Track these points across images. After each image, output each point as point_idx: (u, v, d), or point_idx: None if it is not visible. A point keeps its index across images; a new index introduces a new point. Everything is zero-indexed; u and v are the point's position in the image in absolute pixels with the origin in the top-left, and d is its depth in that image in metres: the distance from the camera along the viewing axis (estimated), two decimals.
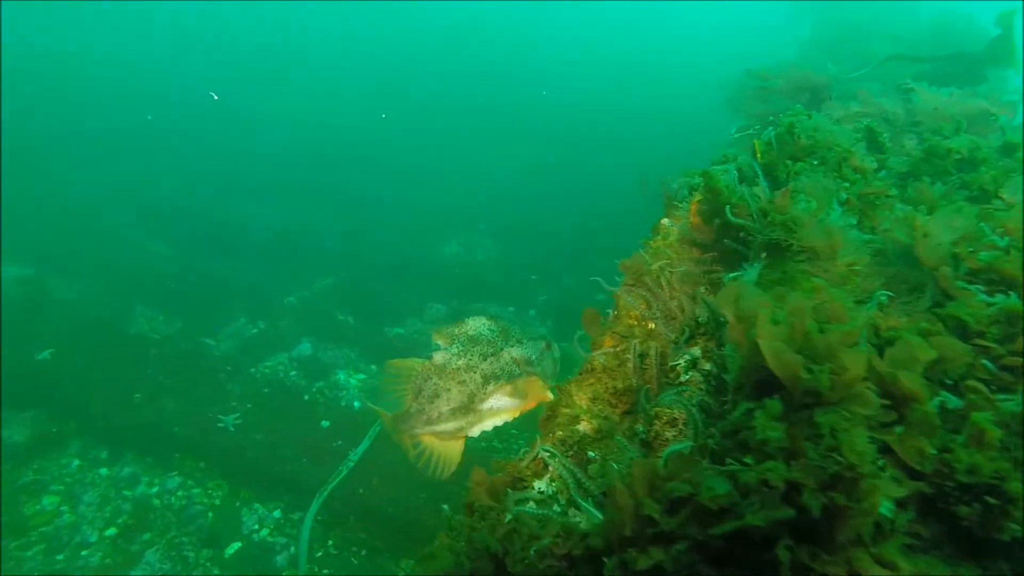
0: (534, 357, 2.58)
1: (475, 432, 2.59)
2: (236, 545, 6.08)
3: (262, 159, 15.58)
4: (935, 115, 3.04)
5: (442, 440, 2.59)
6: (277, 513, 6.48)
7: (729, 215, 2.29)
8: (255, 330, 9.28)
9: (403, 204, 13.92)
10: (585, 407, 2.29)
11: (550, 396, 2.49)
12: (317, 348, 8.90)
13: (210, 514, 6.39)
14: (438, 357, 2.45)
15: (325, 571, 5.96)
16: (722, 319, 1.78)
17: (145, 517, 6.38)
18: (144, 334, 8.94)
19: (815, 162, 2.54)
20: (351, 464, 6.57)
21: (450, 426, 2.52)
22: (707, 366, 2.06)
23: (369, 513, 6.19)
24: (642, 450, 1.96)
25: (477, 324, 2.52)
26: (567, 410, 2.27)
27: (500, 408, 2.53)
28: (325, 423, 7.26)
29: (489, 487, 1.95)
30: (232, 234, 11.94)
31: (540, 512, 1.81)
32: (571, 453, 2.13)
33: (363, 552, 6.11)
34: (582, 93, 20.92)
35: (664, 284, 2.50)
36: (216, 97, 15.11)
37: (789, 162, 2.60)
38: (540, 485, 2.03)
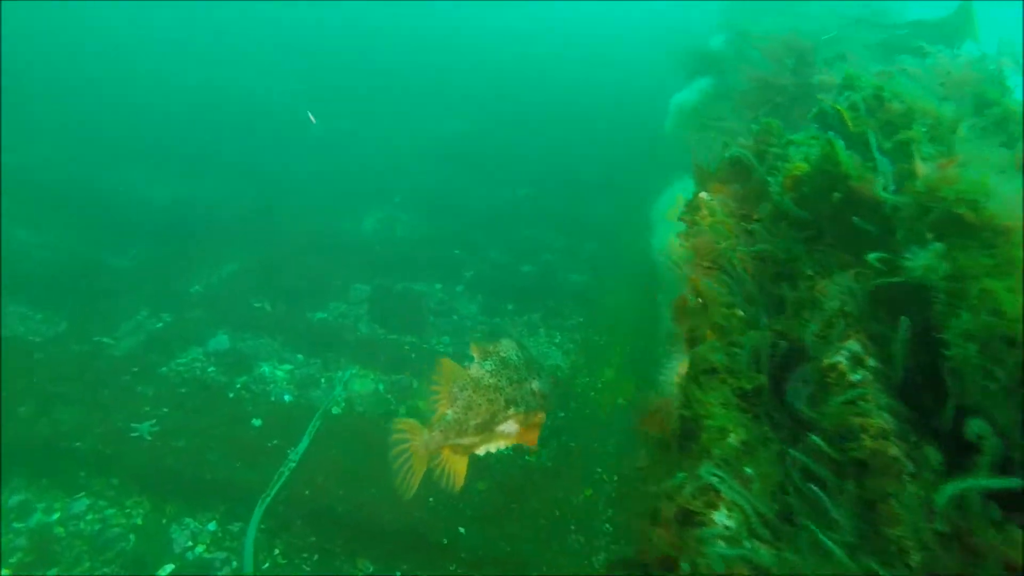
0: (546, 392, 2.63)
1: (482, 451, 2.66)
2: (169, 567, 5.41)
3: (150, 126, 13.92)
4: (964, 79, 3.00)
5: (455, 454, 2.62)
6: (212, 526, 5.84)
7: (880, 191, 2.05)
8: (160, 324, 8.31)
9: (313, 178, 12.99)
10: (729, 416, 2.03)
11: (536, 438, 2.58)
12: (235, 339, 8.11)
13: (132, 536, 5.64)
14: (474, 370, 2.57)
15: None
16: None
17: (47, 550, 5.53)
18: (21, 337, 7.75)
19: (922, 128, 2.38)
20: (292, 464, 6.03)
21: (469, 440, 2.57)
22: (871, 362, 1.84)
23: (317, 514, 5.71)
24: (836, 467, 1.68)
25: (509, 347, 2.68)
26: (711, 422, 2.00)
27: (508, 433, 2.58)
28: (256, 421, 6.61)
29: (665, 535, 1.62)
30: (118, 214, 10.61)
31: (736, 553, 1.53)
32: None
33: (314, 557, 5.65)
34: (505, 62, 20.41)
35: (738, 266, 2.28)
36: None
37: (879, 130, 2.41)
38: (721, 518, 1.72)
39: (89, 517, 5.81)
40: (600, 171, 12.87)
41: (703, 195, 2.67)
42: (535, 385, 2.57)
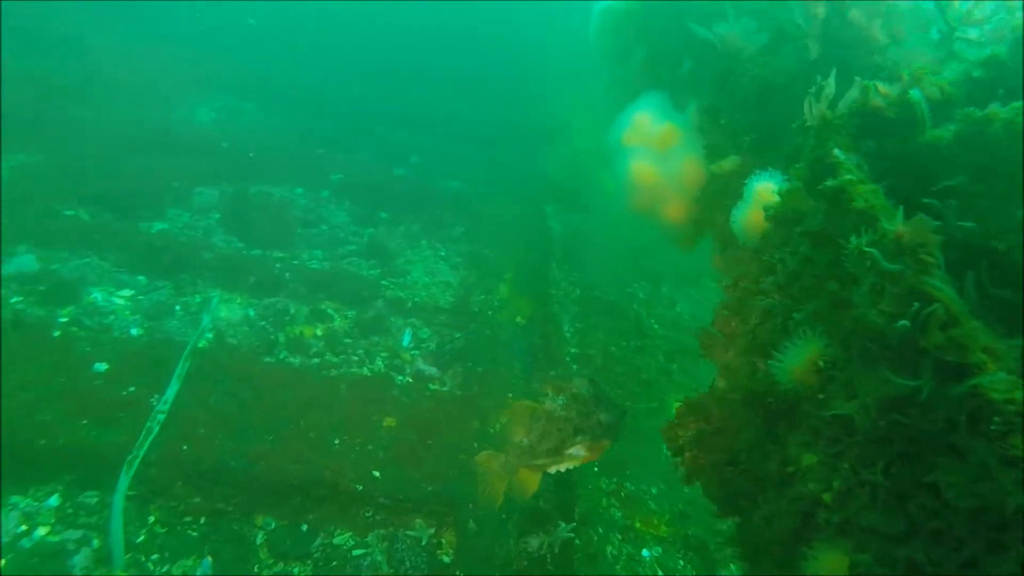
0: (611, 423, 3.11)
1: (552, 470, 3.10)
2: None
3: None
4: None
5: (530, 471, 3.10)
6: (54, 501, 4.70)
7: None
8: None
9: (121, 53, 10.36)
10: None
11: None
12: (45, 259, 6.40)
13: None
14: (548, 405, 3.04)
15: (155, 556, 4.59)
16: None
17: None
18: None
19: None
20: (162, 416, 4.99)
21: (541, 462, 3.05)
22: None
23: (203, 473, 4.84)
24: None
25: (581, 384, 3.13)
26: None
27: (576, 456, 3.05)
28: (100, 365, 5.34)
29: None
30: None
31: None
32: None
33: (201, 520, 4.83)
34: None
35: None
36: None
37: None
38: None
39: None
40: (489, 75, 11.94)
41: (836, 152, 2.08)
42: (602, 417, 3.01)
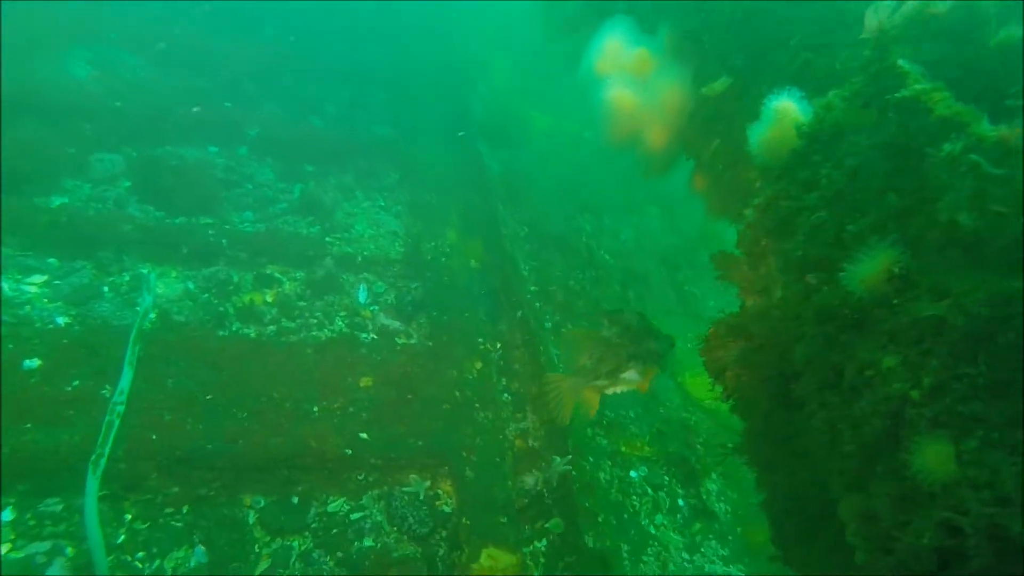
0: (661, 350, 3.37)
1: (609, 391, 3.38)
2: None
3: None
4: None
5: (592, 391, 3.41)
6: (7, 515, 4.24)
7: None
8: None
9: None
10: None
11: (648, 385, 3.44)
12: None
13: None
14: (605, 332, 3.32)
15: (140, 553, 4.28)
16: None
17: None
18: None
19: None
20: (121, 408, 4.55)
21: (601, 384, 3.34)
22: None
23: (178, 460, 4.50)
24: None
25: (632, 317, 3.37)
26: None
27: (629, 380, 3.33)
28: (31, 362, 4.75)
29: None
30: None
31: None
32: None
33: (184, 510, 4.53)
34: None
35: None
36: None
37: None
38: None
39: None
40: (407, 23, 11.21)
41: (902, 63, 2.03)
42: (652, 344, 3.30)
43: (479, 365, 5.93)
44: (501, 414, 5.58)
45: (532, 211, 8.29)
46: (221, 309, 5.86)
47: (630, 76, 3.83)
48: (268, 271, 6.48)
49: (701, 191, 4.14)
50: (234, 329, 5.79)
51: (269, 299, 6.17)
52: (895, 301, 1.95)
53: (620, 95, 3.81)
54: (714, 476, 5.73)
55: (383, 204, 8.05)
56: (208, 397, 4.86)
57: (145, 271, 6.00)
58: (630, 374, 3.33)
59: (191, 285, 6.08)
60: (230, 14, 10.60)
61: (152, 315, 5.53)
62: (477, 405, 5.53)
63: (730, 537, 5.31)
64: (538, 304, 6.78)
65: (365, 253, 6.94)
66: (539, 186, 8.96)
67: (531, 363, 6.11)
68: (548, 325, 6.56)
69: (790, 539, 3.34)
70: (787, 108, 2.56)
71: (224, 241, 6.46)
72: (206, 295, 6.01)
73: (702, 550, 5.16)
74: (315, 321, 6.07)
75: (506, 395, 5.90)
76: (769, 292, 2.61)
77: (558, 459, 5.15)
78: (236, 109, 8.84)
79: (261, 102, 9.35)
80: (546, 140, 10.52)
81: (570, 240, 7.92)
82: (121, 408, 4.55)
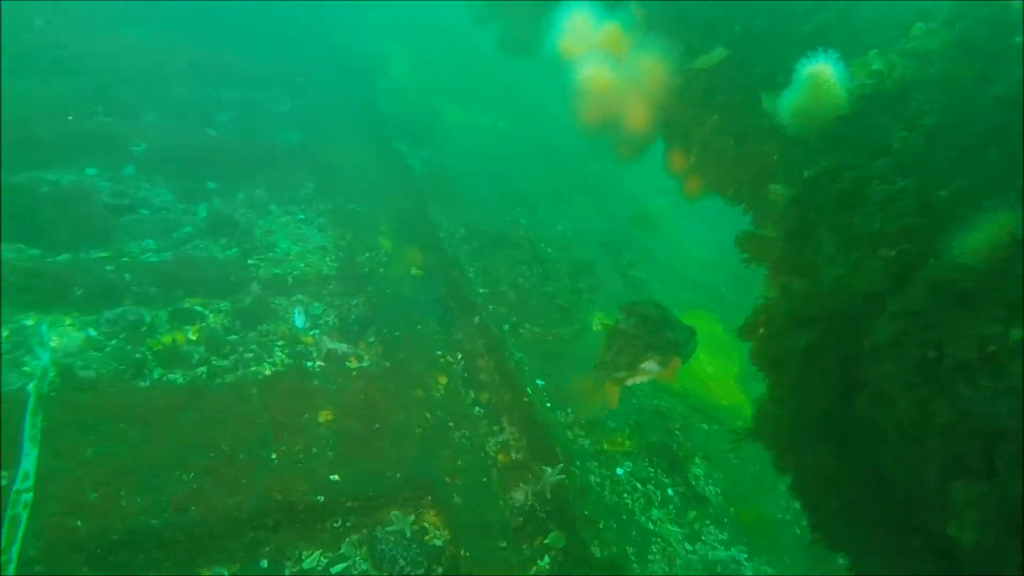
0: (681, 340, 3.28)
1: (630, 382, 3.32)
2: None
3: None
4: None
5: (612, 384, 3.32)
6: None
7: None
8: None
9: None
10: None
11: (673, 375, 3.34)
12: None
13: None
14: (622, 324, 3.24)
15: None
16: None
17: None
18: None
19: None
20: (28, 496, 3.71)
21: (620, 375, 3.27)
22: None
23: (114, 545, 3.74)
24: None
25: (649, 308, 3.29)
26: None
27: (649, 370, 3.25)
28: None
29: None
30: None
31: None
32: None
33: None
34: None
35: None
36: None
37: None
38: None
39: None
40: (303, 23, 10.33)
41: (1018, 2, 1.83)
42: (670, 335, 3.23)
43: (444, 380, 5.47)
44: (478, 430, 5.17)
45: (465, 210, 7.87)
46: (137, 356, 5.02)
47: (602, 53, 3.53)
48: (186, 305, 5.66)
49: (681, 170, 3.92)
50: (156, 376, 4.98)
51: (193, 337, 5.37)
52: (1014, 268, 1.77)
53: (595, 74, 3.50)
54: (697, 461, 5.62)
55: (303, 217, 7.33)
56: (142, 462, 4.09)
57: (30, 322, 5.03)
58: (649, 364, 3.27)
59: (93, 332, 5.17)
60: (100, 7, 9.31)
61: (50, 375, 4.61)
62: (451, 424, 5.08)
63: (725, 520, 5.22)
64: (491, 307, 6.39)
65: (295, 273, 6.25)
66: (466, 183, 8.54)
67: (498, 370, 5.72)
68: (506, 327, 6.19)
69: (833, 522, 3.20)
70: (823, 72, 2.35)
71: (127, 276, 5.56)
72: (114, 341, 5.14)
73: (702, 537, 5.02)
74: (251, 355, 5.35)
75: (477, 408, 5.48)
76: (818, 272, 2.40)
77: (548, 469, 4.81)
78: (114, 121, 7.73)
79: (141, 111, 8.26)
80: (462, 135, 10.10)
81: (509, 236, 7.58)
82: (28, 496, 3.71)
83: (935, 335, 2.02)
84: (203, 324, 5.53)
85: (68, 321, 5.20)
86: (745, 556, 4.97)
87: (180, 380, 4.98)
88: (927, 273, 1.91)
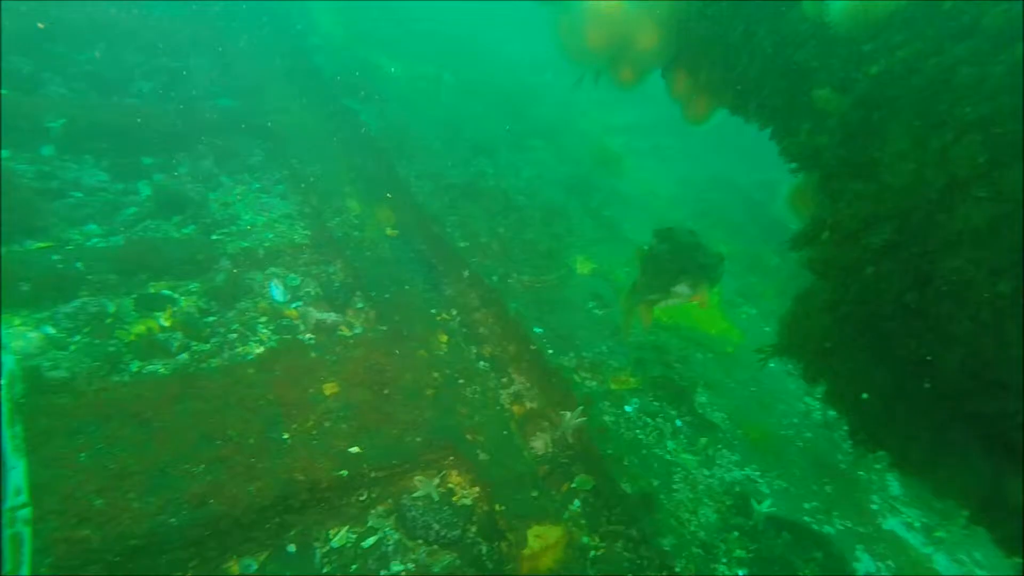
0: (711, 265, 3.32)
1: (662, 305, 3.47)
2: None
3: None
4: None
5: (646, 305, 3.50)
6: None
7: None
8: None
9: None
10: None
11: (707, 298, 3.42)
12: None
13: None
14: (655, 249, 3.35)
15: None
16: None
17: None
18: None
19: None
20: (26, 512, 3.32)
21: (654, 297, 3.42)
22: None
23: (134, 550, 3.43)
24: None
25: (681, 233, 3.36)
26: None
27: (681, 294, 3.36)
28: None
29: None
30: None
31: None
32: None
33: None
34: None
35: None
36: None
37: None
38: None
39: None
40: None
41: None
42: (700, 259, 3.29)
43: (445, 338, 5.27)
44: (488, 384, 5.03)
45: (428, 163, 7.53)
46: (109, 349, 4.56)
47: None
48: (151, 290, 5.18)
49: (685, 93, 3.80)
50: (134, 369, 4.55)
51: (166, 323, 4.93)
52: None
53: (601, 4, 3.29)
54: (700, 389, 5.71)
55: (259, 186, 6.82)
56: (144, 460, 3.74)
57: None
58: (681, 288, 3.39)
59: (50, 329, 4.65)
60: None
61: (16, 379, 4.12)
62: (461, 381, 4.92)
63: (735, 442, 5.34)
64: (475, 259, 6.18)
65: (265, 244, 5.83)
66: (423, 137, 8.17)
67: (497, 322, 5.57)
68: (495, 279, 6.02)
69: (874, 421, 3.29)
70: None
71: (79, 265, 5.01)
72: (78, 337, 4.65)
73: (718, 462, 5.13)
74: (235, 336, 4.97)
75: (482, 363, 5.34)
76: (883, 171, 2.35)
77: (568, 414, 4.75)
78: (14, 95, 6.87)
79: (43, 82, 7.38)
80: (408, 87, 9.63)
81: (480, 186, 7.33)
82: (26, 512, 3.32)
83: None
84: (175, 309, 5.08)
85: (17, 321, 4.65)
86: (758, 474, 5.11)
87: (163, 371, 4.57)
88: None
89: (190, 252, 5.48)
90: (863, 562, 4.40)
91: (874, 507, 4.93)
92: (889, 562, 4.48)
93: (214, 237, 5.77)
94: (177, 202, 6.14)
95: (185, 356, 4.74)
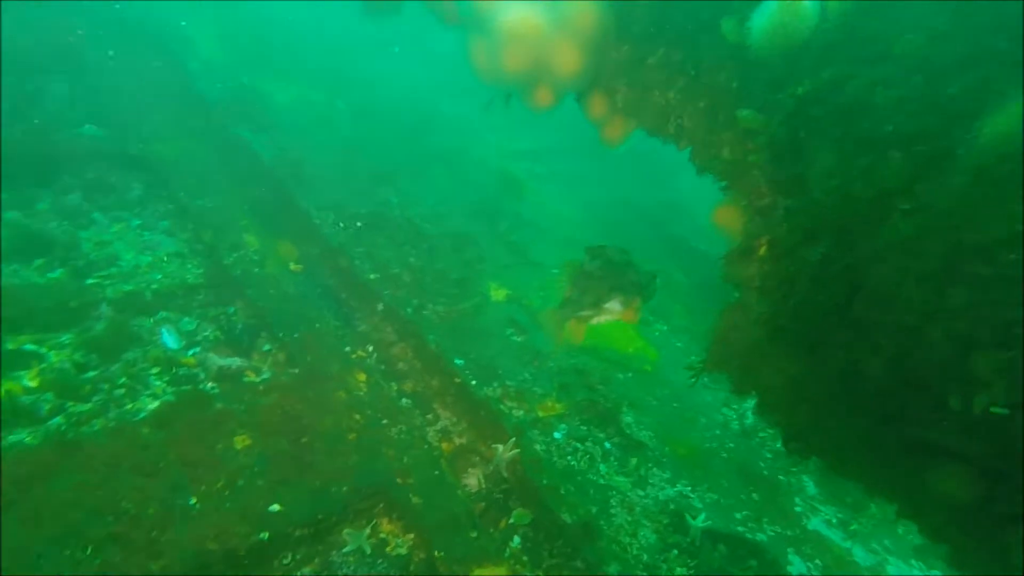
0: (643, 283, 3.40)
1: (594, 321, 3.43)
2: None
3: None
4: None
5: (577, 322, 3.44)
6: None
7: None
8: None
9: None
10: None
11: (636, 316, 3.49)
12: None
13: None
14: (587, 266, 3.38)
15: None
16: None
17: None
18: None
19: None
20: None
21: (585, 314, 3.39)
22: None
23: None
24: None
25: (613, 252, 3.39)
26: None
27: (612, 310, 3.38)
28: None
29: None
30: None
31: None
32: None
33: None
34: None
35: None
36: None
37: None
38: None
39: None
40: None
41: None
42: (632, 277, 3.35)
43: (363, 377, 4.96)
44: (413, 422, 4.77)
45: (328, 193, 7.19)
46: (44, 406, 3.87)
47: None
48: (10, 346, 4.47)
49: (602, 115, 3.85)
50: None
51: (32, 383, 4.27)
52: None
53: (521, 19, 3.24)
54: (624, 409, 5.75)
55: (140, 223, 6.16)
56: (16, 551, 3.15)
57: None
58: (612, 304, 3.41)
59: None
60: None
61: None
62: (385, 421, 4.62)
63: (664, 460, 5.41)
64: (387, 291, 5.92)
65: (152, 287, 5.23)
66: (320, 164, 7.80)
67: (417, 356, 5.33)
68: (409, 311, 5.78)
69: (807, 429, 3.40)
70: None
71: None
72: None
73: (650, 481, 5.16)
74: (122, 391, 4.39)
75: (405, 400, 5.06)
76: (810, 187, 2.45)
77: (500, 447, 4.59)
78: None
79: None
80: (300, 114, 9.23)
81: (384, 215, 7.08)
82: None
83: (955, 223, 2.14)
84: (43, 366, 4.41)
85: None
86: (689, 489, 5.20)
87: (28, 440, 3.92)
88: (964, 163, 2.00)
89: (59, 299, 4.81)
90: (795, 564, 4.56)
91: (798, 509, 5.15)
92: (817, 561, 4.68)
93: (90, 281, 5.11)
94: (37, 243, 5.40)
95: (60, 420, 4.10)
